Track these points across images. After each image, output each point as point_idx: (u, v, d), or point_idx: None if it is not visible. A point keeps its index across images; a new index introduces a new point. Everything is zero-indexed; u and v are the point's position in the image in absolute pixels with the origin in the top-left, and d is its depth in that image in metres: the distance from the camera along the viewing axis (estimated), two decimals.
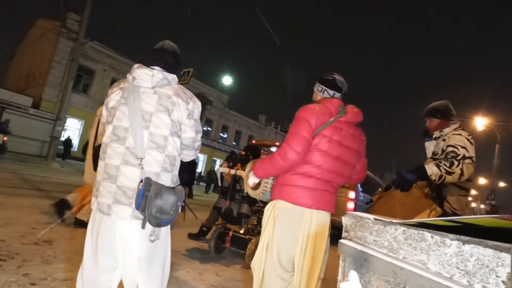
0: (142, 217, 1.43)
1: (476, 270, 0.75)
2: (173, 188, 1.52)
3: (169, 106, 1.52)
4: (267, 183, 1.91)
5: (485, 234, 0.77)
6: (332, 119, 1.71)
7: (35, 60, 19.22)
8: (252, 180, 1.89)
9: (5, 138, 14.22)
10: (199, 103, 1.64)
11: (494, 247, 0.72)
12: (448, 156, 2.19)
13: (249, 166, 1.99)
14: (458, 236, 0.80)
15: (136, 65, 1.58)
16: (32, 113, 16.59)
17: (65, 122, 14.81)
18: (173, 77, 1.60)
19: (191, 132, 1.61)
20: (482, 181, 31.40)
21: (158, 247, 1.55)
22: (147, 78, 1.53)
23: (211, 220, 4.37)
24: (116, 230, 1.48)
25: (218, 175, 4.03)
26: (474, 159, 2.15)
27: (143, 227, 1.43)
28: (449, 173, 2.08)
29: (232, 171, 3.78)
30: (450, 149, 2.21)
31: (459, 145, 2.18)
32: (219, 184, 4.11)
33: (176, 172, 1.64)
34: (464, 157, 2.12)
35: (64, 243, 3.05)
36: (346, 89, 1.92)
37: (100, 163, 1.55)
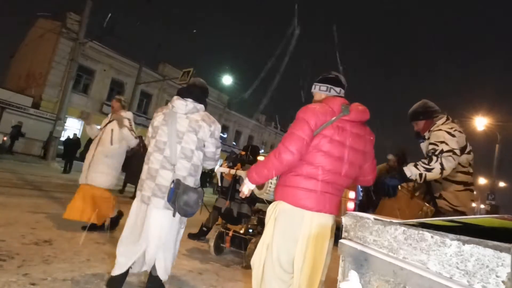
0: (171, 208, 1.99)
1: (476, 270, 0.75)
2: (196, 188, 2.06)
3: (196, 128, 2.08)
4: (271, 183, 1.89)
5: (485, 234, 0.77)
6: (333, 119, 1.67)
7: (35, 60, 19.21)
8: (246, 187, 1.78)
9: (4, 138, 14.24)
10: (219, 126, 2.20)
11: (494, 247, 0.72)
12: (429, 154, 2.18)
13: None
14: (458, 236, 0.80)
15: (175, 97, 2.17)
16: (32, 113, 16.57)
17: (65, 122, 14.80)
18: (201, 107, 2.18)
19: (213, 147, 2.17)
20: (482, 181, 31.41)
21: (175, 230, 2.13)
22: (182, 107, 2.11)
23: (211, 220, 4.37)
24: (151, 215, 2.03)
25: (218, 175, 4.02)
26: (456, 151, 2.12)
27: (174, 215, 1.99)
28: (428, 170, 2.07)
29: (232, 171, 3.78)
30: (430, 147, 2.21)
31: (438, 141, 2.17)
32: (219, 184, 4.11)
33: (198, 177, 2.19)
34: (442, 152, 2.10)
35: (64, 243, 3.05)
36: (346, 84, 1.91)
37: (145, 167, 2.14)
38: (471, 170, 2.34)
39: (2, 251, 2.53)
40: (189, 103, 2.12)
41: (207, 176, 16.85)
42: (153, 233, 2.02)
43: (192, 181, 2.10)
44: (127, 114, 3.78)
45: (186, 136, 2.06)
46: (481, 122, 16.55)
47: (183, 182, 2.01)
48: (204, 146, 2.13)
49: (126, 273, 2.13)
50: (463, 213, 2.24)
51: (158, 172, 2.05)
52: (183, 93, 2.17)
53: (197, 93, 2.20)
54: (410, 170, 2.10)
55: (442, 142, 2.15)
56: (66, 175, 10.41)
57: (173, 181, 1.98)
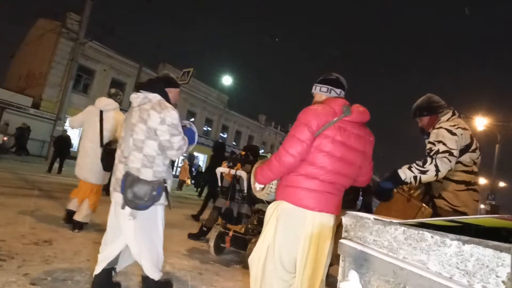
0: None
1: (476, 270, 0.75)
2: (151, 181, 1.99)
3: (144, 117, 2.01)
4: (272, 183, 1.91)
5: (485, 234, 0.77)
6: (335, 119, 1.68)
7: (35, 60, 19.22)
8: (258, 186, 1.98)
9: (5, 138, 14.24)
10: (172, 113, 2.04)
11: (494, 247, 0.72)
12: (426, 154, 2.11)
13: (254, 167, 2.01)
14: (458, 236, 0.80)
15: (132, 93, 2.15)
16: (32, 113, 16.58)
17: (65, 122, 14.80)
18: (154, 96, 2.09)
19: (166, 135, 2.02)
20: (482, 181, 31.42)
21: (146, 226, 2.05)
22: (134, 100, 2.11)
23: (211, 220, 4.37)
24: (116, 211, 2.06)
25: (218, 175, 4.02)
26: (454, 151, 2.04)
27: (122, 207, 1.97)
28: (423, 172, 2.02)
29: (232, 171, 3.78)
30: (428, 146, 2.14)
31: (436, 140, 2.11)
32: (219, 184, 4.11)
33: (159, 168, 2.06)
34: (437, 152, 2.04)
35: (64, 243, 3.05)
36: (346, 86, 1.91)
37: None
38: (475, 169, 2.24)
39: (2, 251, 2.53)
40: (140, 95, 2.08)
41: (203, 175, 16.72)
42: (122, 229, 2.01)
43: (149, 173, 2.00)
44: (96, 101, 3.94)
45: (136, 127, 2.02)
46: (481, 122, 16.55)
47: (137, 174, 1.97)
48: (155, 135, 2.02)
49: (108, 273, 2.08)
50: (463, 214, 2.17)
51: (117, 166, 2.08)
52: (136, 87, 2.18)
53: (154, 84, 2.15)
54: (405, 173, 2.06)
55: (439, 141, 2.09)
56: (66, 175, 10.40)
57: (124, 174, 1.99)
